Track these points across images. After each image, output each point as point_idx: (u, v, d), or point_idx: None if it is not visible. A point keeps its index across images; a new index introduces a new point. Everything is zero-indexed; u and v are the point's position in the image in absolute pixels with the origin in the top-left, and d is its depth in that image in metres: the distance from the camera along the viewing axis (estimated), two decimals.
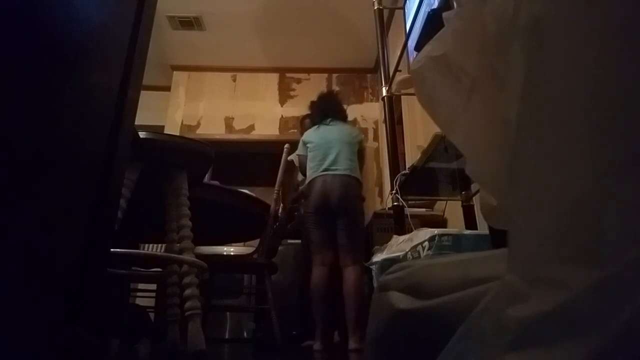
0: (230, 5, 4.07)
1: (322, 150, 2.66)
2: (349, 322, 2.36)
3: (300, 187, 2.95)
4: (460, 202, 2.11)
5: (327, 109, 2.86)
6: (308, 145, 2.74)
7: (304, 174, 2.76)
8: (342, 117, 2.88)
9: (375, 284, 1.53)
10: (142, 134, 1.57)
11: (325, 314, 2.44)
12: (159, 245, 2.95)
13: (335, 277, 2.49)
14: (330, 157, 2.61)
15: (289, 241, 3.48)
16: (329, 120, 2.79)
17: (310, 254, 2.63)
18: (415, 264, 0.57)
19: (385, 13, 2.84)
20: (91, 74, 0.72)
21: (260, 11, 4.13)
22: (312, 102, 3.05)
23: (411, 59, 2.16)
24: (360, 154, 2.76)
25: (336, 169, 2.58)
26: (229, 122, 4.82)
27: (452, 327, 0.36)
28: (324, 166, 2.60)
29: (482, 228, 1.76)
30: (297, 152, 2.82)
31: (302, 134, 3.06)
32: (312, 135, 2.77)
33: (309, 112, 3.12)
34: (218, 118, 4.82)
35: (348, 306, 2.38)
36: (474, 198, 2.04)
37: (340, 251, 2.50)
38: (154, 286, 2.75)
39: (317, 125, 2.81)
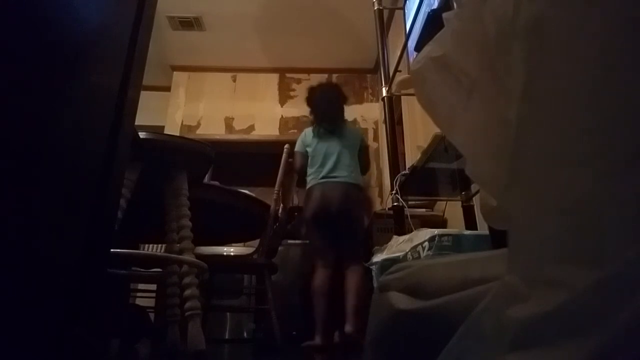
0: (230, 5, 4.07)
1: (320, 156, 2.61)
2: (348, 309, 2.36)
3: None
4: (460, 202, 2.11)
5: (331, 118, 2.74)
6: (307, 148, 2.69)
7: (300, 174, 2.70)
8: (344, 123, 2.80)
9: (375, 284, 1.53)
10: (142, 134, 1.57)
11: (325, 309, 2.42)
12: (159, 245, 2.95)
13: (337, 279, 2.49)
14: (329, 165, 2.57)
15: (289, 241, 3.48)
16: (332, 129, 2.70)
17: (312, 256, 2.63)
18: (415, 265, 0.57)
19: (385, 13, 2.84)
20: (91, 74, 0.72)
21: (260, 11, 4.13)
22: (314, 97, 2.83)
23: (411, 60, 2.16)
24: (362, 152, 2.71)
25: (335, 177, 2.55)
26: (229, 123, 4.82)
27: (452, 327, 0.36)
28: (323, 173, 2.56)
29: (482, 228, 1.76)
30: (297, 148, 2.73)
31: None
32: (311, 139, 2.70)
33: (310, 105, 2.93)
34: (218, 118, 4.82)
35: (349, 298, 2.38)
36: (474, 198, 2.04)
37: (342, 255, 2.51)
38: (154, 286, 2.74)
39: (318, 129, 2.71)
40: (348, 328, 2.30)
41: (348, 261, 2.49)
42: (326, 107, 2.79)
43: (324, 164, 2.59)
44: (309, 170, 2.63)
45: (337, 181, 2.54)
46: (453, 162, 1.74)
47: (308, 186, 2.61)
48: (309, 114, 2.92)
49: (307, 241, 2.75)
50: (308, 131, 2.78)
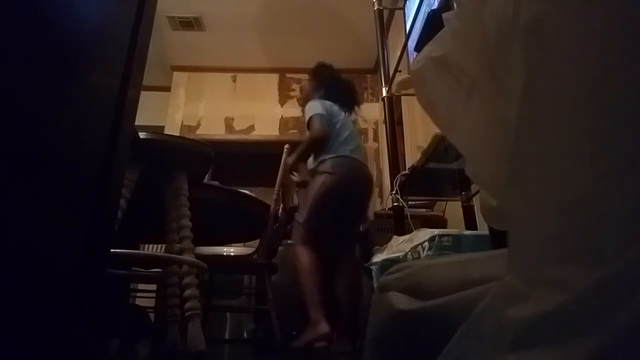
0: (230, 5, 4.07)
1: (347, 131, 2.36)
2: (342, 320, 2.16)
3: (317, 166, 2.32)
4: (460, 202, 2.11)
5: (349, 101, 2.57)
6: (333, 120, 2.35)
7: (322, 142, 2.29)
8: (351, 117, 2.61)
9: (375, 285, 1.53)
10: (142, 134, 1.57)
11: (318, 289, 2.12)
12: (159, 245, 2.95)
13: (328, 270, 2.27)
14: (355, 143, 2.38)
15: (289, 241, 3.47)
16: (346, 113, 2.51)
17: (305, 231, 2.26)
18: (415, 265, 0.57)
19: (385, 13, 2.84)
20: (91, 74, 0.72)
21: (260, 11, 4.13)
22: (326, 72, 2.63)
23: (411, 60, 2.16)
24: None
25: (359, 156, 2.37)
26: (229, 123, 4.82)
27: (452, 327, 0.36)
28: (350, 148, 2.32)
29: (482, 228, 1.76)
30: (319, 111, 2.32)
31: (310, 89, 2.63)
32: (337, 110, 2.42)
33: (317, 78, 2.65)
34: (218, 118, 4.82)
35: (342, 303, 2.19)
36: (474, 198, 2.04)
37: (339, 244, 2.32)
38: (154, 286, 2.75)
39: (337, 105, 2.46)
40: (346, 347, 2.08)
41: (341, 255, 2.26)
42: (346, 87, 2.63)
43: (349, 140, 2.34)
44: (334, 140, 2.31)
45: (361, 160, 2.38)
46: (453, 162, 1.74)
47: (332, 155, 2.27)
48: (314, 84, 2.63)
49: (309, 209, 2.26)
50: (329, 102, 2.44)
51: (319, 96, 2.48)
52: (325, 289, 2.18)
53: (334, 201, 2.22)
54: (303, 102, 2.61)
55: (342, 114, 2.45)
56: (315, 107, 2.35)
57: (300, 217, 2.30)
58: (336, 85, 2.59)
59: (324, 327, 2.06)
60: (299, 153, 2.40)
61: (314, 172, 2.32)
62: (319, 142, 2.29)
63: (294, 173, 2.47)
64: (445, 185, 2.14)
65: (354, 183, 2.29)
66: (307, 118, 2.35)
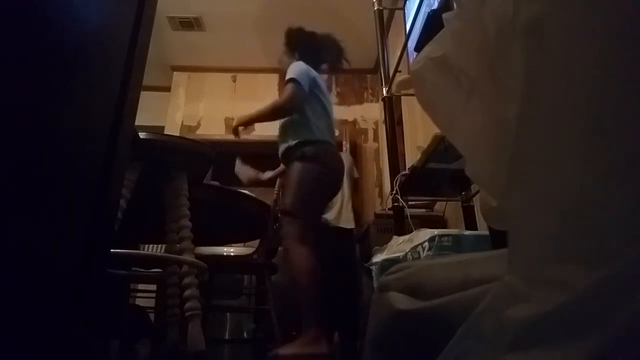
0: (230, 5, 4.07)
1: (329, 108, 2.10)
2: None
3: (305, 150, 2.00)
4: (460, 202, 2.11)
5: (329, 56, 2.26)
6: (318, 94, 2.05)
7: (292, 112, 2.03)
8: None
9: (375, 285, 1.53)
10: (142, 135, 1.57)
11: (323, 299, 1.86)
12: (159, 245, 2.95)
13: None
14: (332, 127, 2.13)
15: None
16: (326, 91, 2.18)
17: (301, 227, 1.91)
18: (415, 265, 0.57)
19: (385, 13, 2.84)
20: (91, 74, 0.72)
21: (260, 11, 4.13)
22: (307, 34, 2.29)
23: (411, 60, 2.16)
24: None
25: (334, 143, 2.14)
26: (229, 123, 4.81)
27: (452, 327, 0.36)
28: (332, 135, 2.10)
29: (482, 228, 1.76)
30: (300, 78, 1.97)
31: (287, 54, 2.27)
32: (321, 84, 2.12)
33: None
34: (218, 118, 4.82)
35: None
36: (474, 198, 2.04)
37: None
38: (154, 287, 2.75)
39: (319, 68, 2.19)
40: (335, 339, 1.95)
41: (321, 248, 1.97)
42: (324, 40, 2.28)
43: (330, 124, 2.10)
44: (317, 120, 2.04)
45: (337, 149, 2.18)
46: (453, 162, 1.74)
47: (315, 138, 2.00)
48: (289, 53, 2.27)
49: (302, 203, 1.92)
50: (315, 72, 2.11)
51: (299, 58, 2.17)
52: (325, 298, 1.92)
53: (323, 198, 2.04)
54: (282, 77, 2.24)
55: (326, 89, 2.18)
56: (298, 71, 2.01)
57: (294, 208, 1.92)
58: (311, 44, 2.27)
59: (322, 347, 1.76)
60: (256, 114, 2.14)
61: (300, 155, 2.00)
62: (283, 113, 2.06)
63: (237, 133, 2.19)
64: (445, 185, 2.14)
65: (339, 179, 2.11)
66: (286, 78, 2.05)
